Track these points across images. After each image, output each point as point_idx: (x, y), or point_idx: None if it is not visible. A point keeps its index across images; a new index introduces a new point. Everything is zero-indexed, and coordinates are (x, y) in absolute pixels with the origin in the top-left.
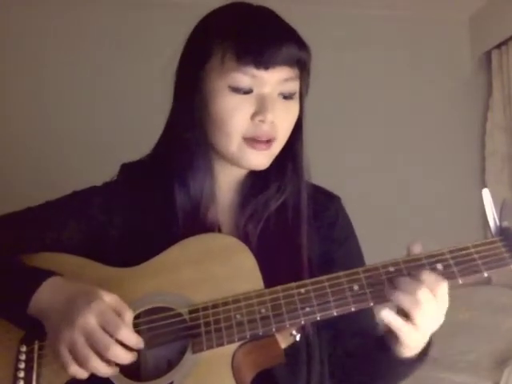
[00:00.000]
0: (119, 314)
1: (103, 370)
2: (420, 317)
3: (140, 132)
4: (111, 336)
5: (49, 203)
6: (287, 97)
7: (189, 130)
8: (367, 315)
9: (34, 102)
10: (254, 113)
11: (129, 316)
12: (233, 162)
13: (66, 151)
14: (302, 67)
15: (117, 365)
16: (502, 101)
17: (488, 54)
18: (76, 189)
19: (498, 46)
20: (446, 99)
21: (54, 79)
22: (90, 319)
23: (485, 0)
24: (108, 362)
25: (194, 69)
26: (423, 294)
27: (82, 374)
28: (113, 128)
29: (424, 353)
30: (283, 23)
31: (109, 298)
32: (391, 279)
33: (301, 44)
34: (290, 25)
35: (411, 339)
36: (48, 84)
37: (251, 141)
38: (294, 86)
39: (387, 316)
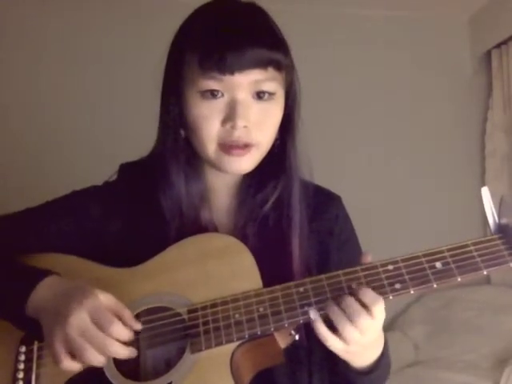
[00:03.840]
0: (117, 313)
1: (99, 360)
2: (348, 332)
3: (140, 132)
4: (104, 332)
5: (48, 203)
6: (264, 98)
7: (170, 136)
8: None
9: (33, 101)
10: (224, 119)
11: (127, 313)
12: (215, 167)
13: (66, 151)
14: (277, 67)
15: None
16: (501, 101)
17: (488, 54)
18: (76, 188)
19: (498, 46)
20: (446, 99)
21: (53, 79)
22: (83, 315)
23: (485, 0)
24: (104, 354)
25: (172, 78)
26: (362, 318)
27: (75, 367)
28: (113, 128)
29: (375, 365)
30: (254, 23)
31: (104, 297)
32: (392, 280)
33: (273, 44)
34: (266, 23)
35: (341, 351)
36: (48, 84)
37: (226, 147)
38: (270, 87)
39: (315, 323)
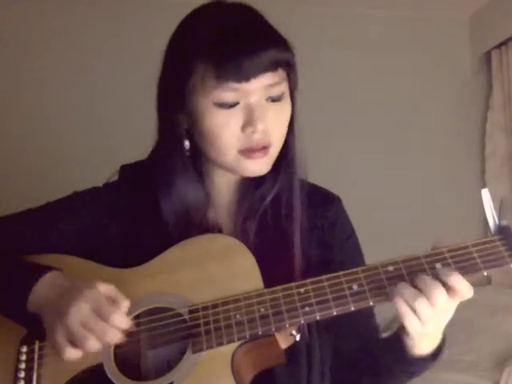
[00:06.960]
0: (115, 302)
1: (98, 346)
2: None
3: (140, 132)
4: (105, 322)
5: (49, 204)
6: (276, 99)
7: (172, 144)
8: (367, 316)
9: (34, 102)
10: (244, 125)
11: (126, 303)
12: (231, 171)
13: (66, 152)
14: (287, 67)
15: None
16: (502, 101)
17: (488, 54)
18: (76, 189)
19: (498, 46)
20: (445, 99)
21: (53, 79)
22: (83, 306)
23: (485, 0)
24: (104, 342)
25: (176, 87)
26: (420, 303)
27: (77, 354)
28: (113, 128)
29: (436, 353)
30: (259, 25)
31: (104, 288)
32: (392, 280)
33: (280, 45)
34: (267, 24)
35: (419, 335)
36: (48, 84)
37: (247, 152)
38: (281, 89)
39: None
